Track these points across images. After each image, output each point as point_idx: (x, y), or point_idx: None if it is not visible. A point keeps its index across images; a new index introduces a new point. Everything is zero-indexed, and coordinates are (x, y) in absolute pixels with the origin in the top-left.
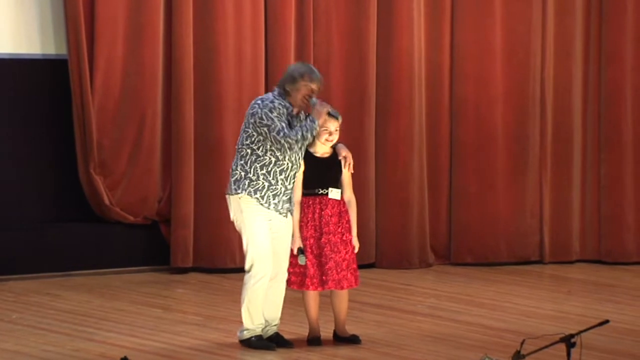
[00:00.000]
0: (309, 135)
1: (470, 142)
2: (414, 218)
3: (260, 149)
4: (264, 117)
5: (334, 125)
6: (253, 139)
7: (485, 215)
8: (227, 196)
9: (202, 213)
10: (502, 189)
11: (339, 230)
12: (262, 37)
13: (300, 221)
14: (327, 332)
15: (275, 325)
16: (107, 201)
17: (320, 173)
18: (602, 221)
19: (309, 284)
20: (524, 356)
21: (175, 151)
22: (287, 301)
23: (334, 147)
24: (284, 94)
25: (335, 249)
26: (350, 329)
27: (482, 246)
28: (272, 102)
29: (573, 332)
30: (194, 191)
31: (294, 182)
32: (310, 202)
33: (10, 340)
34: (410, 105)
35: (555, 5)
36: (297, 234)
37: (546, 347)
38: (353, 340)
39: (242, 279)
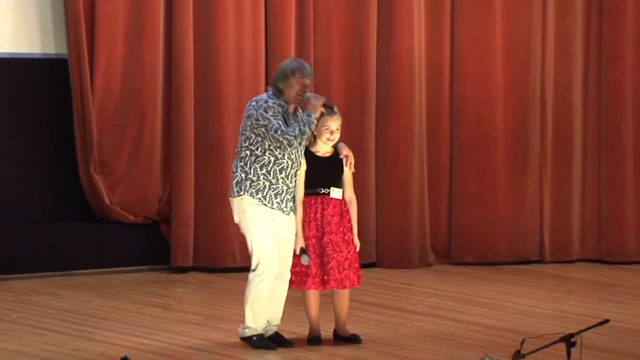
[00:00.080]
0: (307, 130)
1: (470, 142)
2: (414, 218)
3: (259, 149)
4: (259, 118)
5: (335, 124)
6: (251, 140)
7: (485, 215)
8: (230, 199)
9: (202, 213)
10: (503, 189)
11: (341, 229)
12: (262, 37)
13: (303, 221)
14: (327, 332)
15: (275, 325)
16: (107, 201)
17: (322, 172)
18: (602, 221)
19: (311, 283)
20: (524, 355)
21: (175, 151)
22: (288, 301)
23: (335, 146)
24: (278, 93)
25: (337, 249)
26: (351, 329)
27: (482, 246)
28: (266, 102)
29: (573, 331)
30: (194, 191)
31: (295, 180)
32: (312, 202)
33: (11, 339)
34: (411, 105)
35: (555, 5)
36: (300, 234)
37: (546, 346)
38: (353, 339)
39: (242, 278)
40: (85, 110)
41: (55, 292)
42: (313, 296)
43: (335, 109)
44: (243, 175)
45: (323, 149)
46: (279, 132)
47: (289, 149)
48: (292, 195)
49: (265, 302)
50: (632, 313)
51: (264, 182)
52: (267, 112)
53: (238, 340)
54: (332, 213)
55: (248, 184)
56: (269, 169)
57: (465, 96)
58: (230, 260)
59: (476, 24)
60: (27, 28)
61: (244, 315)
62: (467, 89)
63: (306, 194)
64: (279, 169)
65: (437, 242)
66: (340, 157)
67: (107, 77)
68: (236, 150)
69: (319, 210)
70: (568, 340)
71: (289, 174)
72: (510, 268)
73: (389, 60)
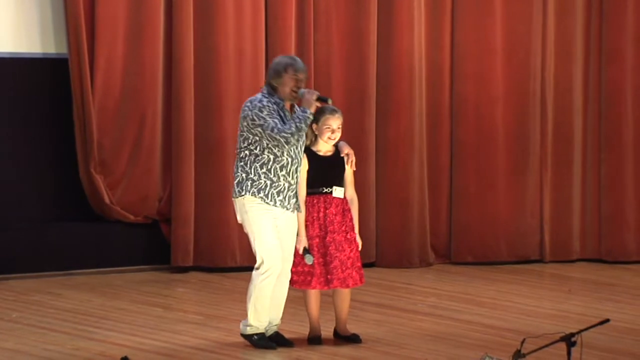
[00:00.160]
0: (303, 126)
1: (470, 141)
2: (414, 217)
3: (258, 148)
4: (255, 118)
5: (336, 123)
6: (249, 140)
7: (485, 215)
8: (233, 200)
9: (202, 212)
10: (503, 189)
11: (343, 228)
12: (262, 37)
13: (306, 220)
14: (327, 331)
15: (276, 325)
16: (107, 200)
17: (324, 172)
18: (602, 220)
19: (316, 283)
20: (524, 355)
21: (175, 150)
22: (288, 300)
23: (335, 145)
24: (273, 91)
25: (340, 248)
26: (351, 328)
27: (482, 245)
28: (260, 101)
29: (573, 331)
30: (194, 190)
31: (297, 177)
32: (315, 201)
33: (11, 339)
34: (411, 105)
35: (555, 4)
36: (303, 234)
37: (546, 346)
38: (353, 339)
39: (243, 278)
40: (85, 110)
41: (55, 292)
42: (314, 296)
43: (330, 102)
44: (244, 175)
45: (324, 148)
46: (276, 130)
47: (287, 147)
48: (294, 192)
49: (268, 300)
50: (632, 313)
51: (265, 181)
52: (262, 112)
53: (239, 339)
54: (334, 212)
55: (249, 184)
56: (269, 167)
57: (465, 96)
58: (230, 260)
59: (476, 23)
60: (27, 28)
61: (245, 314)
62: (467, 89)
63: (309, 193)
64: (279, 167)
65: (437, 242)
66: (342, 155)
67: (107, 77)
68: (236, 151)
69: (322, 210)
70: (568, 340)
71: (289, 171)
72: (510, 268)
73: (389, 60)
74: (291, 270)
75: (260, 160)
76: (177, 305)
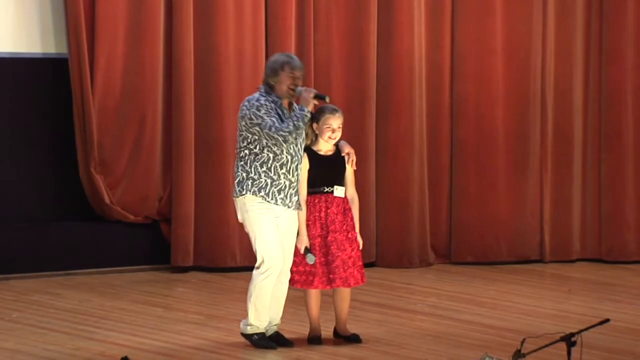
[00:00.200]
0: (301, 124)
1: (470, 141)
2: (414, 217)
3: (257, 147)
4: (253, 117)
5: (336, 123)
6: (249, 140)
7: (485, 215)
8: (234, 199)
9: (202, 212)
10: (503, 189)
11: (344, 228)
12: (262, 37)
13: (307, 220)
14: (327, 331)
15: (276, 324)
16: (107, 200)
17: (325, 171)
18: (602, 220)
19: (318, 282)
20: (524, 355)
21: (175, 150)
22: (288, 300)
23: (336, 145)
24: (270, 89)
25: (342, 247)
26: (351, 328)
27: (482, 245)
28: (257, 100)
29: (574, 331)
30: (194, 190)
31: (297, 175)
32: (317, 201)
33: (11, 339)
34: (411, 105)
35: (555, 4)
36: (304, 233)
37: (547, 346)
38: (353, 339)
39: (243, 278)
40: (85, 110)
41: (55, 292)
42: (315, 295)
43: (328, 100)
44: (244, 174)
45: (325, 147)
46: (273, 129)
47: (285, 145)
48: (295, 190)
49: (268, 300)
50: (632, 313)
51: (265, 180)
52: (259, 111)
53: (239, 339)
54: (335, 212)
55: (250, 183)
56: (269, 165)
57: (465, 96)
58: (230, 260)
59: (476, 23)
60: (27, 28)
61: (245, 314)
62: (467, 89)
63: (310, 193)
64: (279, 165)
65: (437, 242)
66: (343, 154)
67: (108, 77)
68: (236, 151)
69: (323, 209)
70: (568, 340)
71: (289, 168)
72: (510, 268)
73: (389, 60)
74: (292, 270)
75: (260, 159)
76: (177, 305)
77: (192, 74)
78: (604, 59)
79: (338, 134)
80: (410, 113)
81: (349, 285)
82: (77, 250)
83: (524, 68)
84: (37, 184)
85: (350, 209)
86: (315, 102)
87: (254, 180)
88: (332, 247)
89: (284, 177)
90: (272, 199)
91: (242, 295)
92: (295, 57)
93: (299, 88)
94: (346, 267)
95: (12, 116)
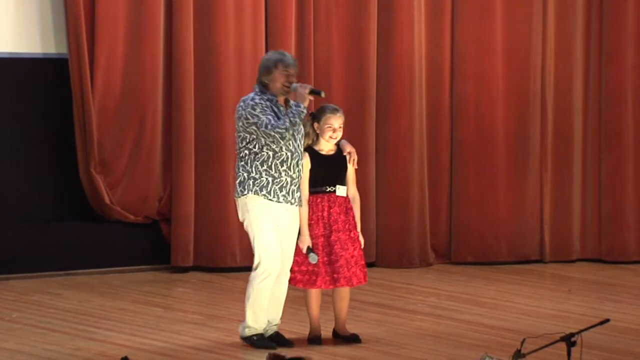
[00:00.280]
0: (297, 120)
1: (470, 141)
2: (414, 217)
3: (256, 146)
4: (248, 116)
5: (337, 122)
6: (247, 139)
7: (485, 215)
8: (235, 199)
9: (202, 212)
10: (503, 188)
11: (347, 227)
12: (262, 37)
13: (310, 220)
14: (327, 331)
15: (275, 324)
16: (107, 200)
17: (327, 170)
18: (602, 220)
19: (322, 282)
20: (524, 355)
21: (175, 150)
22: (288, 300)
23: (337, 144)
24: (264, 88)
25: (345, 247)
26: (351, 328)
27: (482, 245)
28: (252, 99)
29: (573, 331)
30: (194, 190)
31: (298, 171)
32: (319, 200)
33: (11, 339)
34: (411, 105)
35: (555, 4)
36: (306, 233)
37: (547, 346)
38: (353, 339)
39: (242, 278)
40: (85, 110)
41: (55, 292)
42: (315, 295)
43: (323, 95)
44: (245, 174)
45: (326, 147)
46: (270, 127)
47: (282, 142)
48: (297, 186)
49: (266, 301)
50: (632, 313)
51: (266, 178)
52: (254, 110)
53: (238, 340)
54: (338, 211)
55: (251, 183)
56: (269, 164)
57: (465, 96)
58: (230, 260)
59: (476, 23)
60: (27, 28)
61: (244, 315)
62: (467, 89)
63: (312, 193)
64: (280, 162)
65: (437, 242)
66: (344, 154)
67: (107, 77)
68: (236, 151)
69: (326, 209)
70: (568, 340)
71: (290, 165)
72: (510, 268)
73: (389, 60)
74: (294, 270)
75: (260, 158)
76: (177, 306)
77: (192, 74)
78: (604, 59)
79: (339, 134)
80: (410, 113)
81: (352, 285)
82: (77, 250)
83: (524, 68)
84: (37, 184)
85: (351, 208)
86: (311, 97)
87: (255, 179)
88: (335, 247)
89: (285, 174)
90: (274, 197)
91: (242, 295)
92: (288, 54)
93: (294, 84)
94: (349, 267)
95: (12, 116)
